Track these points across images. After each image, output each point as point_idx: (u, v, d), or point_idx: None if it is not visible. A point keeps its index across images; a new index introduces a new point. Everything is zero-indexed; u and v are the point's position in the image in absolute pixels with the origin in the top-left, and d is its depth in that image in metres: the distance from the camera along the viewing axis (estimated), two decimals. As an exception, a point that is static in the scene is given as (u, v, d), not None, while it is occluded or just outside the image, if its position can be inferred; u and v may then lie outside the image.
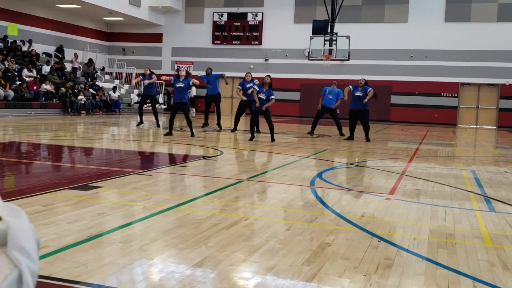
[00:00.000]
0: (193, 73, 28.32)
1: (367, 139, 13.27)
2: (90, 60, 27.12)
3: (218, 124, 15.64)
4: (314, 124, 15.04)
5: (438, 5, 25.91)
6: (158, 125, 15.41)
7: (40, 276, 2.86)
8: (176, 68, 28.30)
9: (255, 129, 13.04)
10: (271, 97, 12.26)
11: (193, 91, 27.34)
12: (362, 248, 3.68)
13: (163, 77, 15.06)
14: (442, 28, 25.77)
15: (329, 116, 15.05)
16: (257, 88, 12.44)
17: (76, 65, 25.76)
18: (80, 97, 21.71)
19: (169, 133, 12.58)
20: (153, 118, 16.07)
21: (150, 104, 15.68)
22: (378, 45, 26.43)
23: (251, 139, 12.21)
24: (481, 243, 4.00)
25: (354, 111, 13.31)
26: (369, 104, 13.37)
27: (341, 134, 14.71)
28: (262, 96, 12.20)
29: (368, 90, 13.12)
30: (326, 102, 14.78)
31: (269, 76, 12.53)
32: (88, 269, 3.01)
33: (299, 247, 3.64)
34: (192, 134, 12.44)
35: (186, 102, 12.68)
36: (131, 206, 4.73)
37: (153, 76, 15.23)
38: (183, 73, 12.65)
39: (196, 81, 12.81)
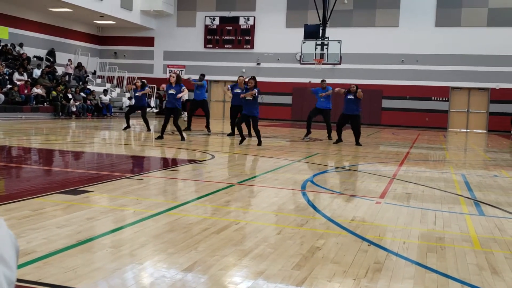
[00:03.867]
0: (185, 77, 28.33)
1: (358, 144, 13.28)
2: (80, 64, 27.00)
3: (207, 128, 15.68)
4: (308, 125, 14.94)
5: (429, 9, 26.08)
6: (148, 129, 15.39)
7: (28, 282, 2.84)
8: (168, 72, 28.31)
9: (248, 134, 12.89)
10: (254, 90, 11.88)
11: (185, 96, 27.32)
12: (352, 252, 3.69)
13: (162, 86, 14.80)
14: (433, 33, 25.94)
15: (321, 119, 15.05)
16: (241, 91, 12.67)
17: (70, 71, 25.65)
18: (71, 102, 21.59)
19: (160, 137, 12.55)
20: (142, 123, 16.08)
21: (140, 112, 15.68)
22: (369, 49, 26.55)
23: (241, 142, 12.13)
24: (470, 246, 4.02)
25: (345, 114, 13.34)
26: (361, 108, 13.42)
27: (329, 138, 14.73)
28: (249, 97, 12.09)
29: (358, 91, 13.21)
30: (319, 104, 14.78)
31: (252, 79, 12.25)
32: (77, 274, 3.00)
33: (289, 251, 3.64)
34: (182, 138, 12.41)
35: (179, 107, 12.67)
36: (121, 211, 4.71)
37: (146, 88, 15.39)
38: (173, 79, 12.60)
39: (185, 95, 12.77)
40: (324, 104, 14.69)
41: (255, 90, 11.86)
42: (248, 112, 12.05)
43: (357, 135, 13.41)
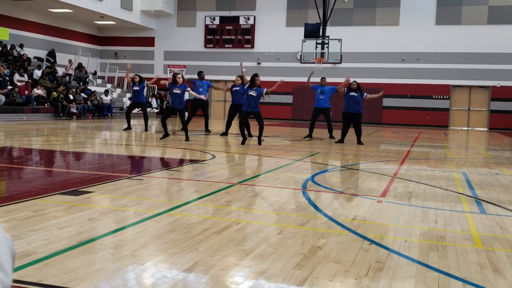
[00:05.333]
0: (185, 76, 28.32)
1: (360, 142, 13.25)
2: (80, 65, 26.99)
3: (207, 128, 15.73)
4: (311, 127, 14.92)
5: (429, 8, 26.05)
6: (146, 129, 15.39)
7: (29, 283, 2.84)
8: (172, 72, 28.33)
9: (246, 132, 12.73)
10: (264, 93, 11.96)
11: (186, 96, 27.29)
12: (353, 251, 3.69)
13: (162, 81, 14.82)
14: (433, 31, 25.91)
15: (322, 118, 15.04)
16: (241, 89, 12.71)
17: (71, 72, 25.67)
18: (72, 105, 21.58)
19: (166, 135, 12.51)
20: (143, 122, 16.11)
21: (141, 110, 15.70)
22: (370, 48, 26.53)
23: (243, 142, 12.09)
24: (471, 245, 4.01)
25: (348, 113, 13.29)
26: (362, 107, 13.41)
27: (331, 136, 14.70)
28: (253, 93, 12.01)
29: (365, 96, 13.20)
30: (318, 103, 14.76)
31: (257, 76, 12.29)
32: (78, 275, 3.00)
33: (290, 251, 3.64)
34: (187, 139, 12.36)
35: (184, 107, 12.70)
36: (122, 211, 4.71)
37: (145, 83, 15.39)
38: (180, 80, 12.64)
39: (192, 92, 12.93)
40: (322, 103, 14.67)
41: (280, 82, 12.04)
42: (250, 108, 11.97)
43: (359, 134, 13.38)
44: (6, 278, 0.84)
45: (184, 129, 12.64)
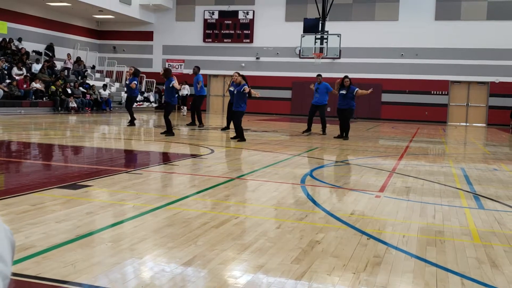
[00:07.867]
0: (184, 71, 28.30)
1: (341, 136, 13.33)
2: (79, 59, 26.91)
3: (200, 122, 15.73)
4: (309, 122, 15.00)
5: (428, 3, 26.01)
6: (130, 123, 15.21)
7: (27, 276, 2.84)
8: (170, 67, 28.25)
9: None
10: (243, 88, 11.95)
11: (186, 90, 27.20)
12: (352, 246, 3.69)
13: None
14: (432, 26, 25.87)
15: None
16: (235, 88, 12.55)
17: (69, 66, 25.60)
18: (70, 99, 21.50)
19: (166, 132, 12.50)
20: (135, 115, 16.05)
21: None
22: (369, 43, 26.49)
23: (234, 137, 12.05)
24: (469, 240, 4.02)
25: (340, 109, 13.60)
26: (354, 102, 13.52)
27: (324, 133, 14.76)
28: (232, 89, 12.10)
29: (355, 91, 13.24)
30: (314, 100, 14.89)
31: (237, 73, 12.26)
32: (76, 268, 3.00)
33: (288, 245, 3.64)
34: (165, 133, 12.30)
35: (171, 103, 12.69)
36: (120, 205, 4.71)
37: (137, 78, 15.27)
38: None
39: (176, 85, 12.65)
40: (318, 100, 14.79)
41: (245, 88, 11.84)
42: (235, 107, 12.01)
43: (344, 128, 13.44)
44: (6, 269, 0.85)
45: (166, 123, 12.53)
